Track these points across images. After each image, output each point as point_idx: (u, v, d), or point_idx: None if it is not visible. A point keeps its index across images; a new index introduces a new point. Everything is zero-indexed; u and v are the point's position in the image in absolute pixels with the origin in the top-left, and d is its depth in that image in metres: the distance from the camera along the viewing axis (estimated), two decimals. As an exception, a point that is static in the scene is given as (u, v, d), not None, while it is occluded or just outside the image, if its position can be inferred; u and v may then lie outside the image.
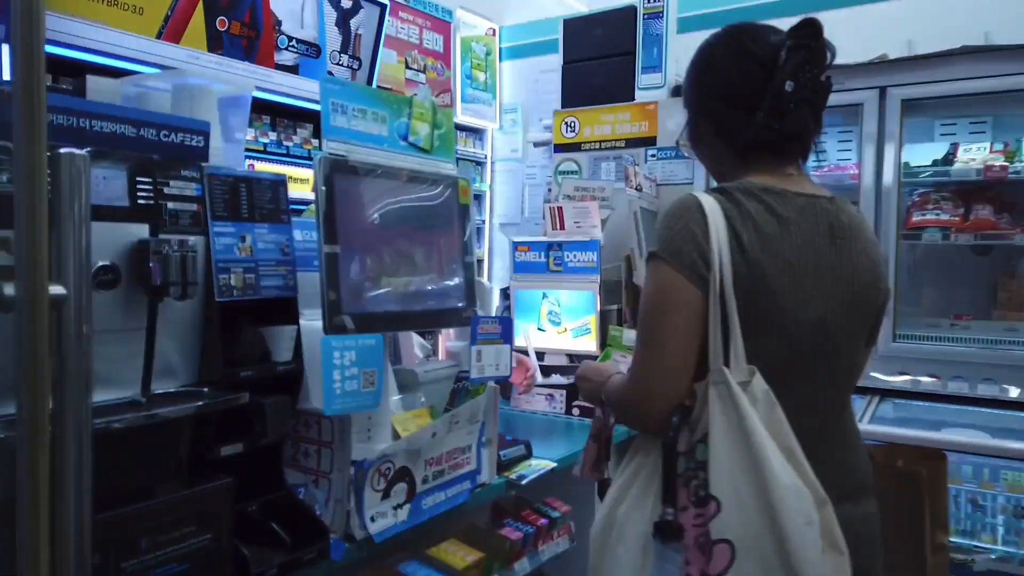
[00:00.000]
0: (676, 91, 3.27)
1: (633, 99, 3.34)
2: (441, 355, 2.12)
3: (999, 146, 2.72)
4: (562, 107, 3.55)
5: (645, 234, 2.97)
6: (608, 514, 1.17)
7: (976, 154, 2.71)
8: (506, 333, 1.65)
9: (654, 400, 1.11)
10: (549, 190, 3.64)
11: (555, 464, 1.96)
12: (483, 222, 4.54)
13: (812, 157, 1.27)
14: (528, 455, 2.00)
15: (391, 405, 1.52)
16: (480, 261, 4.57)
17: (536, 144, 3.93)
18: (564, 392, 2.85)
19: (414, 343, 1.96)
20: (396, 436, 1.47)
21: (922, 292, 2.88)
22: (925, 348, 2.66)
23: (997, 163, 2.58)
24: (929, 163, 2.74)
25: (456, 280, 1.62)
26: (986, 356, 2.57)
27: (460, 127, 4.34)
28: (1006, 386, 2.54)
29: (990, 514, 2.65)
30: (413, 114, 1.56)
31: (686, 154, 1.67)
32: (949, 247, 2.85)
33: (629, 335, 2.91)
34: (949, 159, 2.74)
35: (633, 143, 3.32)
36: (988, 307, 2.85)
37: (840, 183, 2.95)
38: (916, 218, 2.74)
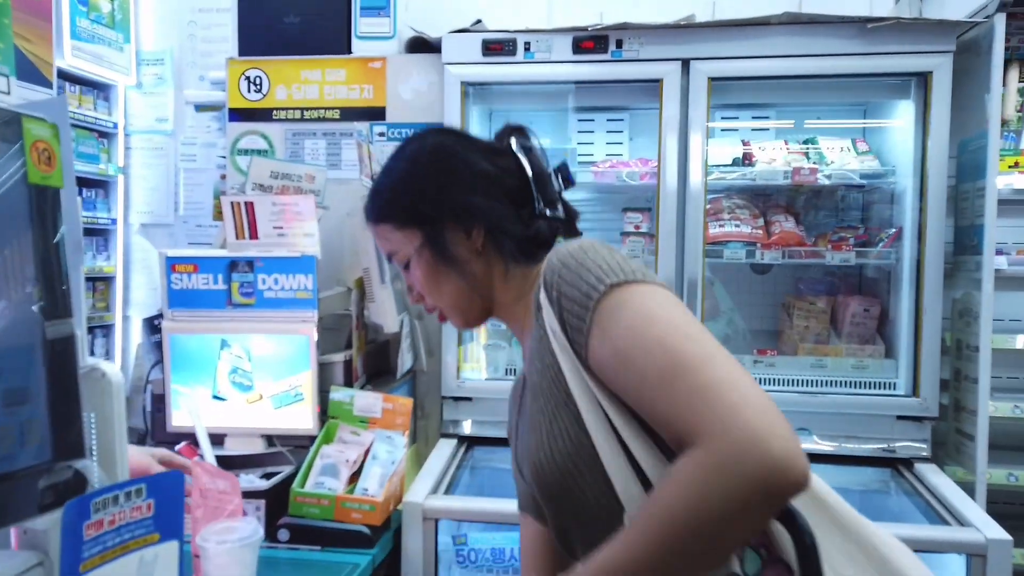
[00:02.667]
0: (412, 45, 2.36)
1: (349, 51, 2.35)
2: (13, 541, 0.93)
3: (795, 144, 2.32)
4: (239, 55, 2.41)
5: (386, 247, 1.98)
6: None
7: (774, 153, 2.28)
8: (169, 513, 0.60)
9: (788, 436, 0.69)
10: (223, 177, 2.47)
11: None
12: (112, 222, 3.12)
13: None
14: None
15: None
16: (109, 279, 3.13)
17: (199, 108, 2.71)
18: (263, 503, 1.78)
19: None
20: None
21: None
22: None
23: (806, 165, 2.14)
24: (730, 162, 2.24)
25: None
26: (796, 402, 2.13)
27: (70, 77, 2.89)
28: (816, 438, 2.13)
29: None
30: None
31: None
32: (742, 266, 2.39)
33: (364, 400, 1.94)
34: (748, 157, 2.26)
35: (352, 114, 2.34)
36: (779, 336, 2.46)
37: (616, 186, 2.34)
38: (714, 230, 2.21)
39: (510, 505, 1.94)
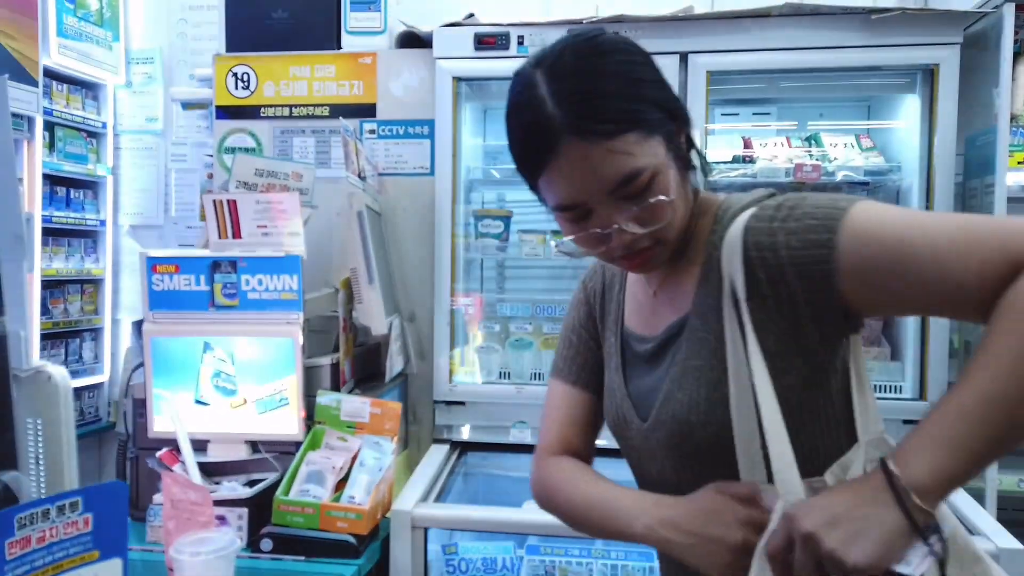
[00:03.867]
0: (404, 40, 2.31)
1: (339, 47, 2.30)
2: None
3: (797, 141, 2.26)
4: (227, 51, 2.36)
5: (374, 245, 1.96)
6: None
7: (775, 150, 2.22)
8: (111, 528, 0.55)
9: None
10: (210, 176, 2.43)
11: None
12: (102, 224, 3.07)
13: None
14: None
15: None
16: (98, 282, 3.08)
17: (185, 106, 2.66)
18: (246, 511, 1.73)
19: None
20: None
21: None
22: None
23: (809, 162, 2.08)
24: (730, 159, 2.18)
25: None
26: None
27: (57, 75, 2.84)
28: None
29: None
30: None
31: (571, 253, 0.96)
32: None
33: (352, 405, 1.89)
34: (749, 154, 2.20)
35: (342, 111, 2.29)
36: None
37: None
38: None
39: (503, 513, 1.89)
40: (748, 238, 0.84)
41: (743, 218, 0.86)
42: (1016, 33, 2.04)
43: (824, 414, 0.88)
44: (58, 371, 0.75)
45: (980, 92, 2.08)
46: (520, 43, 2.16)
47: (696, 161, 0.94)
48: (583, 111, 0.82)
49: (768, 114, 2.46)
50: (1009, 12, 1.98)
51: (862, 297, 0.81)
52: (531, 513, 1.77)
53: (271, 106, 2.38)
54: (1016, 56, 2.07)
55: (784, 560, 0.76)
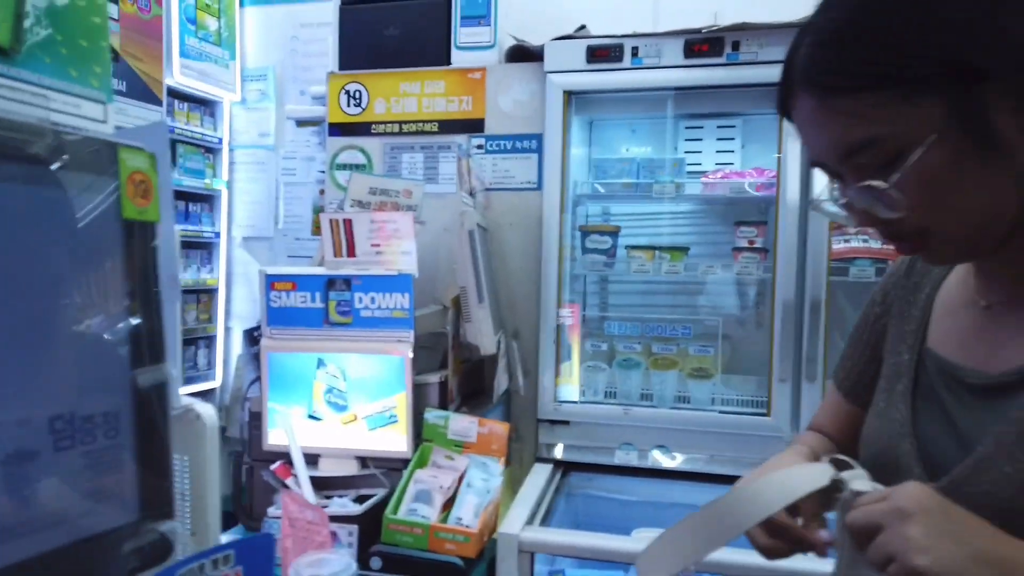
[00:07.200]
0: (513, 54, 2.29)
1: (448, 62, 2.30)
2: None
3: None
4: (339, 69, 2.41)
5: (484, 263, 1.94)
6: None
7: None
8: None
9: None
10: (322, 192, 2.47)
11: None
12: (216, 235, 3.20)
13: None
14: None
15: None
16: (212, 292, 3.21)
17: (299, 123, 2.74)
18: (356, 528, 1.74)
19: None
20: None
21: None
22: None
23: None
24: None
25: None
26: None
27: (179, 94, 2.98)
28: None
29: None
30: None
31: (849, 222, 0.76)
32: (870, 284, 2.19)
33: (459, 423, 1.87)
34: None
35: (450, 127, 2.30)
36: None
37: (728, 198, 2.23)
38: (838, 246, 2.06)
39: (610, 541, 1.83)
40: None
41: None
42: None
43: None
44: (206, 410, 0.75)
45: None
46: (635, 54, 2.10)
47: None
48: (819, 57, 0.67)
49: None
50: None
51: None
52: (640, 542, 1.71)
53: (382, 123, 2.41)
54: None
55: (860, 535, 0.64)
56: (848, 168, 0.69)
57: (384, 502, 1.79)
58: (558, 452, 2.26)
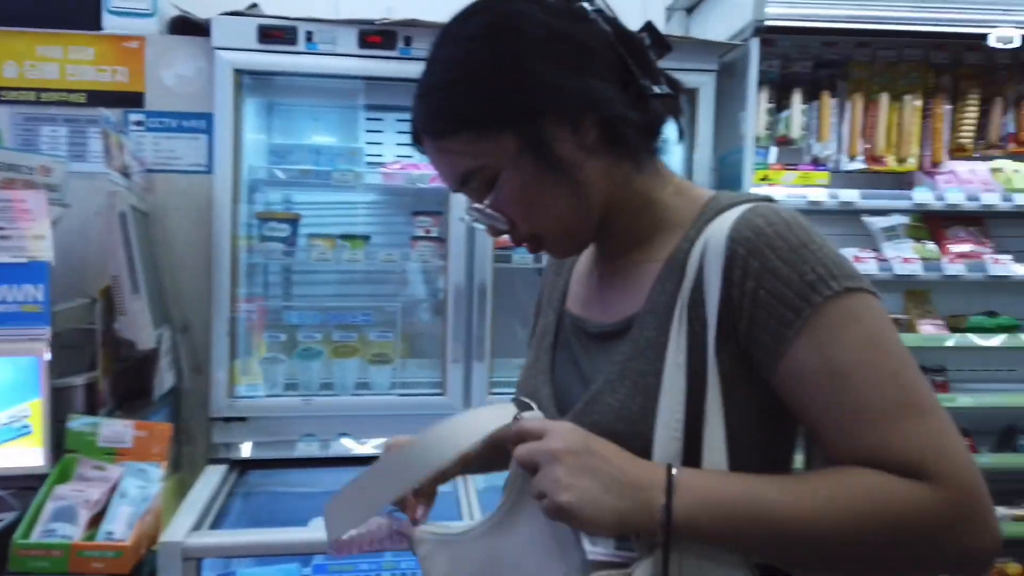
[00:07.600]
0: (177, 26, 2.13)
1: (99, 27, 2.07)
2: None
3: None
4: (-46, 22, 2.04)
5: (140, 250, 1.79)
6: None
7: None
8: None
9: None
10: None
11: None
12: None
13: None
14: None
15: None
16: None
17: None
18: (-24, 560, 1.49)
19: None
20: None
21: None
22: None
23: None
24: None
25: None
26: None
27: None
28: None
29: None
30: None
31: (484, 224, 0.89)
32: (531, 271, 2.43)
33: (111, 429, 1.72)
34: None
35: (102, 99, 2.08)
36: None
37: (406, 188, 2.32)
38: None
39: (285, 534, 1.78)
40: (736, 248, 0.76)
41: (730, 218, 0.78)
42: (761, 63, 2.31)
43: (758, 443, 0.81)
44: None
45: (732, 116, 2.33)
46: (309, 39, 2.07)
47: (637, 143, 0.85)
48: (423, 108, 0.84)
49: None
50: (755, 45, 2.23)
51: (779, 383, 0.76)
52: (316, 531, 1.69)
53: (12, 89, 2.07)
54: (761, 84, 2.34)
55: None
56: (467, 192, 0.86)
57: (13, 527, 1.55)
58: (234, 451, 2.15)
